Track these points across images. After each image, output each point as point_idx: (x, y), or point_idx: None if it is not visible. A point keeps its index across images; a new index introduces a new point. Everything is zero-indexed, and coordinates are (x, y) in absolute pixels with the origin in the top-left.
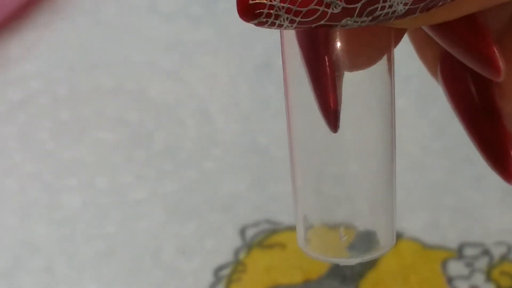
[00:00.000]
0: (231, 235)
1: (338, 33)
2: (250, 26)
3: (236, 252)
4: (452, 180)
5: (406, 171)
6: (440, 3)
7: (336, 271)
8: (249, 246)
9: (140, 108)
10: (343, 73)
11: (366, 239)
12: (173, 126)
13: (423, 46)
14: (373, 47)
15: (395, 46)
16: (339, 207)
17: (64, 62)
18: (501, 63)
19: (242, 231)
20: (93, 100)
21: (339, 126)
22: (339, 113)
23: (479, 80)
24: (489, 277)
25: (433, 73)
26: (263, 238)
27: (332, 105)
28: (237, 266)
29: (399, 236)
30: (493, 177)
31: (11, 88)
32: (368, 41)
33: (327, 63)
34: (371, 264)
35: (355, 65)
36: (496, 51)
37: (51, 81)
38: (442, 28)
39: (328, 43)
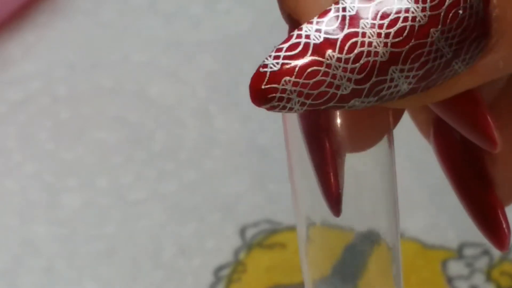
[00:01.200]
0: (231, 235)
1: (338, 118)
2: (250, 26)
3: (236, 252)
4: None
5: (406, 171)
6: (439, 82)
7: (338, 271)
8: (249, 246)
9: (140, 108)
10: (345, 154)
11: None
12: (173, 126)
13: (416, 109)
14: (373, 129)
15: (394, 126)
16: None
17: (64, 62)
18: (497, 136)
19: (242, 231)
20: (93, 100)
21: (341, 211)
22: (341, 196)
23: (471, 147)
24: (489, 277)
25: (425, 135)
26: (263, 238)
27: (334, 191)
28: (237, 266)
29: None
30: None
31: (11, 88)
32: (367, 124)
33: (328, 150)
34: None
35: (356, 148)
36: (491, 123)
37: (51, 81)
38: (444, 105)
39: (329, 129)
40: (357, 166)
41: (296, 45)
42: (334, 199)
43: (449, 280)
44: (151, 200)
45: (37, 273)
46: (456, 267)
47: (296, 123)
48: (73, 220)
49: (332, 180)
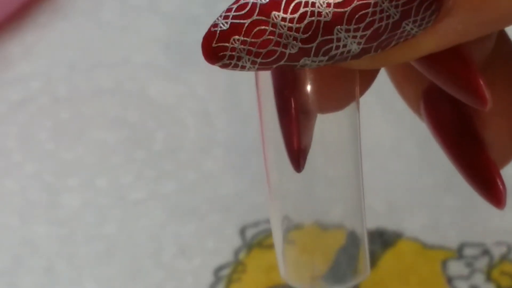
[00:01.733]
0: (231, 235)
1: (305, 77)
2: None
3: (236, 252)
4: (452, 180)
5: (406, 171)
6: (393, 43)
7: (336, 271)
8: (249, 246)
9: (140, 108)
10: (315, 115)
11: (342, 269)
12: (173, 126)
13: (403, 84)
14: (340, 90)
15: (365, 90)
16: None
17: (64, 62)
18: (487, 94)
19: (242, 231)
20: (93, 100)
21: (303, 167)
22: (306, 153)
23: (462, 113)
24: (489, 277)
25: (415, 109)
26: (263, 238)
27: (295, 146)
28: (237, 266)
29: (399, 236)
30: None
31: (11, 88)
32: (334, 85)
33: (293, 106)
34: (371, 264)
35: (323, 109)
36: (482, 82)
37: (51, 81)
38: (427, 60)
39: (296, 87)
40: (324, 131)
41: (244, 5)
42: (295, 155)
43: (449, 280)
44: (151, 200)
45: (37, 273)
46: (456, 267)
47: (271, 121)
48: (73, 220)
49: (294, 136)
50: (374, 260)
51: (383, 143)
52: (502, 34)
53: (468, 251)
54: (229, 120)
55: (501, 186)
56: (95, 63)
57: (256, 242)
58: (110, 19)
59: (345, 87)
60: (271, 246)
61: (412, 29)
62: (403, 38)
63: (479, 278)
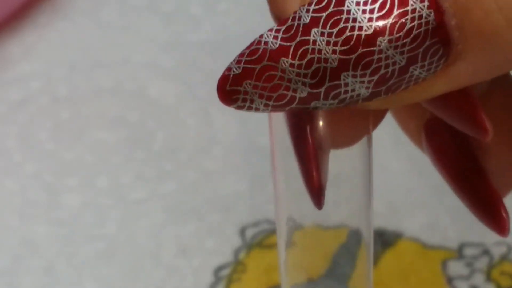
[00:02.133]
0: (231, 235)
1: (320, 115)
2: (250, 26)
3: (236, 252)
4: None
5: (406, 171)
6: (403, 86)
7: (336, 271)
8: (249, 246)
9: (140, 108)
10: (329, 151)
11: (341, 270)
12: (173, 126)
13: (405, 117)
14: (353, 128)
15: (375, 127)
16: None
17: (64, 62)
18: (488, 125)
19: (242, 231)
20: (93, 100)
21: (323, 204)
22: (324, 190)
23: (463, 143)
24: (489, 277)
25: (417, 142)
26: (263, 238)
27: (316, 184)
28: (237, 266)
29: (399, 236)
30: None
31: (11, 88)
32: (347, 123)
33: (311, 143)
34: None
35: (337, 145)
36: (483, 113)
37: (51, 81)
38: (434, 99)
39: (312, 124)
40: (337, 166)
41: (255, 51)
42: (316, 192)
43: (449, 280)
44: (151, 200)
45: (37, 273)
46: (456, 267)
47: (279, 125)
48: (73, 220)
49: (314, 173)
50: (374, 260)
51: (383, 143)
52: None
53: (468, 251)
54: (229, 120)
55: (504, 215)
56: (95, 63)
57: (256, 242)
58: (110, 19)
59: (358, 123)
60: (271, 246)
61: (420, 73)
62: (412, 82)
63: (479, 278)
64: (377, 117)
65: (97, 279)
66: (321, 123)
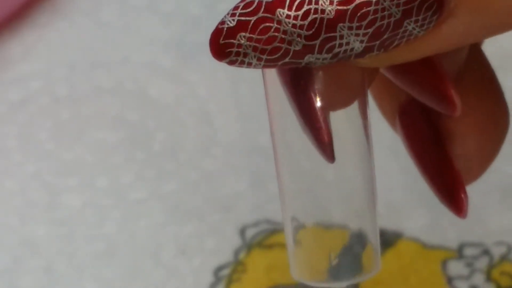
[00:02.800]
0: (231, 235)
1: (316, 73)
2: None
3: (236, 252)
4: None
5: (406, 171)
6: (396, 43)
7: (336, 271)
8: (249, 246)
9: (140, 108)
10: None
11: (352, 262)
12: (173, 126)
13: (381, 98)
14: (348, 87)
15: (368, 86)
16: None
17: (64, 62)
18: (457, 100)
19: (242, 231)
20: (93, 100)
21: (334, 157)
22: (332, 143)
23: (434, 127)
24: (489, 277)
25: (391, 123)
26: (263, 238)
27: (326, 139)
28: (237, 266)
29: (399, 236)
30: (493, 177)
31: (11, 88)
32: (342, 81)
33: (314, 100)
34: None
35: (334, 104)
36: (451, 88)
37: (51, 81)
38: (401, 70)
39: (310, 82)
40: (339, 167)
41: (250, 3)
42: (327, 145)
43: (449, 280)
44: (151, 200)
45: (37, 273)
46: (456, 267)
47: (281, 124)
48: (73, 220)
49: (323, 126)
50: None
51: (383, 143)
52: (476, 48)
53: (468, 251)
54: (229, 120)
55: (463, 197)
56: (95, 63)
57: (256, 242)
58: (110, 19)
59: (352, 82)
60: (271, 246)
61: (414, 29)
62: (405, 38)
63: (479, 278)
64: (370, 76)
65: (97, 279)
66: (317, 81)
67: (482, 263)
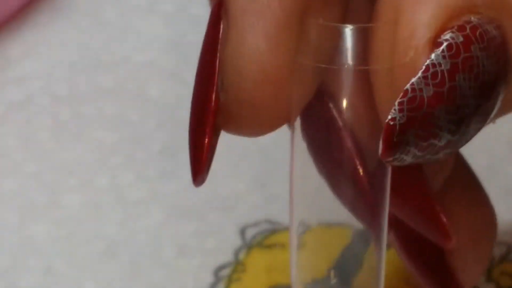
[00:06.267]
0: (231, 235)
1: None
2: None
3: (236, 252)
4: None
5: None
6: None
7: (336, 271)
8: (249, 246)
9: (140, 108)
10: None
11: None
12: (173, 126)
13: None
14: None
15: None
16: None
17: (64, 62)
18: (452, 232)
19: (242, 231)
20: (93, 100)
21: (202, 181)
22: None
23: (430, 241)
24: (489, 277)
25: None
26: (263, 238)
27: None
28: (237, 266)
29: None
30: (493, 177)
31: (11, 88)
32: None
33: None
34: None
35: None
36: (445, 221)
37: (51, 81)
38: (396, 202)
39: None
40: None
41: (413, 98)
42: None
43: None
44: (151, 200)
45: (37, 273)
46: None
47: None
48: (73, 220)
49: (206, 142)
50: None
51: None
52: (460, 162)
53: None
54: None
55: None
56: (95, 63)
57: (256, 242)
58: (110, 19)
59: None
60: (271, 246)
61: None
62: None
63: None
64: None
65: (97, 279)
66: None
67: None
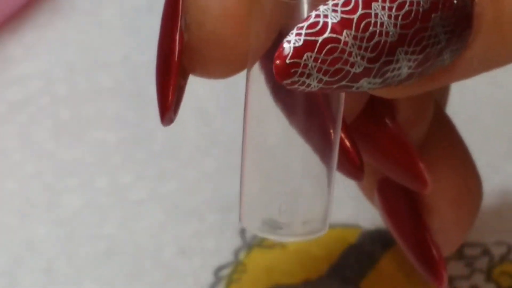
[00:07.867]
0: (231, 235)
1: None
2: None
3: (236, 252)
4: None
5: None
6: (429, 71)
7: (336, 271)
8: (249, 246)
9: (140, 108)
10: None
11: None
12: (173, 126)
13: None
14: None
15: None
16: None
17: (64, 62)
18: (428, 178)
19: (242, 231)
20: (93, 100)
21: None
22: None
23: (412, 203)
24: (489, 277)
25: (370, 198)
26: (263, 238)
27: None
28: (237, 266)
29: None
30: (493, 177)
31: (11, 88)
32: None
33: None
34: (370, 264)
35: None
36: (422, 166)
37: (51, 81)
38: (374, 150)
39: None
40: None
41: (315, 24)
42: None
43: (449, 280)
44: (151, 200)
45: (37, 273)
46: (456, 267)
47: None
48: (73, 220)
49: (170, 93)
50: (374, 260)
51: None
52: (440, 114)
53: (468, 251)
54: (229, 120)
55: (443, 272)
56: (95, 63)
57: (256, 242)
58: (110, 19)
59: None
60: (271, 246)
61: (447, 58)
62: (436, 67)
63: (479, 278)
64: (358, 102)
65: (97, 279)
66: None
67: (482, 263)
